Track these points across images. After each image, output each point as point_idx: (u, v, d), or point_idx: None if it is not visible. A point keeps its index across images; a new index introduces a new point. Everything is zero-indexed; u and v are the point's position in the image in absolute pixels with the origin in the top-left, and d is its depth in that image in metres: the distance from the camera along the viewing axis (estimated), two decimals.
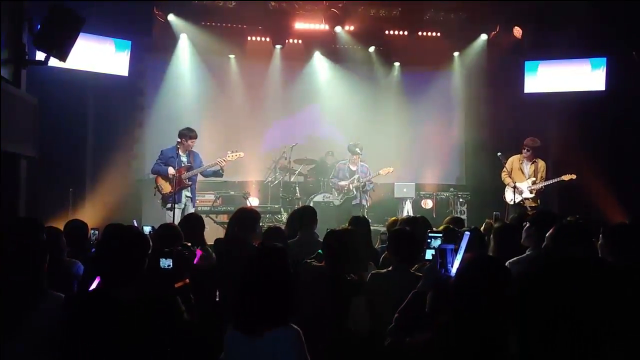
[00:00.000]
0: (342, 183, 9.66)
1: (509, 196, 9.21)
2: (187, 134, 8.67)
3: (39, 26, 6.93)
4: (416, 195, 11.24)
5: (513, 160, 9.33)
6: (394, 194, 11.17)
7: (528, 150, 9.13)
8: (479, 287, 2.08)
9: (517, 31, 10.85)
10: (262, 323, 2.62)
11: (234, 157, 8.82)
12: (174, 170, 8.39)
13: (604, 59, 10.42)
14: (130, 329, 2.46)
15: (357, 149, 9.61)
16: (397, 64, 12.32)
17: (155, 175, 8.78)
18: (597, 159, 9.83)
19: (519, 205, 8.94)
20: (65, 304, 2.69)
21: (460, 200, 11.07)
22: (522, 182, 9.13)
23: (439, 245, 2.64)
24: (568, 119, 10.57)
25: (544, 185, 9.08)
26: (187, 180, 8.63)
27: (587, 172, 9.49)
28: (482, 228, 5.74)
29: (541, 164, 9.22)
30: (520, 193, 9.05)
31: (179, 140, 8.59)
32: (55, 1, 6.98)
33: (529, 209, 8.71)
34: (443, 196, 11.44)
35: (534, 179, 9.10)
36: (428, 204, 11.30)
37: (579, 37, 10.21)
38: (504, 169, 9.27)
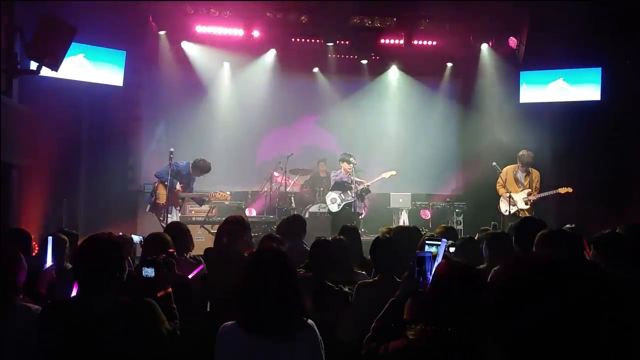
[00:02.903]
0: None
1: (504, 207, 9.20)
2: (206, 168, 9.15)
3: (30, 36, 6.92)
4: (412, 205, 11.21)
5: (507, 171, 9.33)
6: (390, 204, 11.13)
7: (527, 155, 9.16)
8: (452, 295, 2.04)
9: (513, 41, 10.86)
10: (291, 325, 2.60)
11: (221, 197, 9.29)
12: (179, 186, 8.70)
13: (599, 69, 10.42)
14: (105, 337, 2.42)
15: (352, 159, 9.56)
16: (392, 74, 12.33)
17: (158, 181, 8.97)
18: (593, 168, 9.81)
19: (515, 216, 8.89)
20: (43, 313, 2.65)
21: (457, 210, 11.03)
22: (517, 193, 9.11)
23: (417, 253, 2.59)
24: (564, 129, 10.55)
25: (540, 197, 9.06)
26: (180, 200, 8.99)
27: (582, 182, 9.46)
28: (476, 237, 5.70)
29: (535, 174, 9.22)
30: (515, 204, 9.02)
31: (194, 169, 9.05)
32: (47, 3, 6.98)
33: None
34: (439, 206, 11.40)
35: (529, 189, 9.08)
36: (427, 214, 11.27)
37: (574, 48, 10.22)
38: (499, 179, 9.26)
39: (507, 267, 1.18)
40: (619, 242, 3.45)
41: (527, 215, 8.91)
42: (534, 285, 1.12)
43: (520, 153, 9.28)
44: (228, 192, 9.42)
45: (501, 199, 9.32)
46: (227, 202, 10.53)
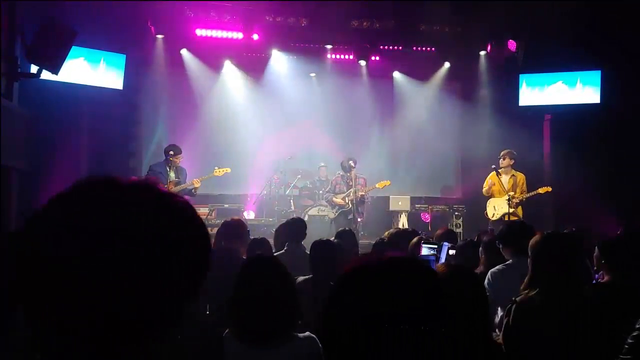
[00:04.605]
0: (337, 200, 9.70)
1: (490, 212, 9.22)
2: (173, 152, 8.80)
3: (31, 39, 6.94)
4: (412, 208, 11.21)
5: (492, 176, 9.29)
6: (389, 207, 11.14)
7: (505, 159, 9.10)
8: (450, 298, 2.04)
9: (512, 44, 10.89)
10: (271, 336, 2.58)
11: (221, 173, 8.97)
12: (163, 185, 8.48)
13: (599, 72, 10.42)
14: None
15: (351, 162, 9.58)
16: (391, 77, 12.34)
17: None
18: (593, 171, 9.81)
19: (501, 220, 8.86)
20: None
21: (456, 213, 11.03)
22: (502, 197, 9.09)
23: (420, 257, 2.59)
24: (563, 132, 10.57)
25: (522, 199, 9.01)
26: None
27: (582, 184, 9.48)
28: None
29: (520, 176, 9.17)
30: (500, 208, 9.04)
31: (165, 157, 8.72)
32: (48, 6, 7.00)
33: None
34: (439, 209, 11.41)
35: (512, 193, 9.05)
36: (427, 217, 11.28)
37: (573, 50, 10.23)
38: (486, 181, 9.25)
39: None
40: (625, 247, 3.45)
41: (514, 218, 8.92)
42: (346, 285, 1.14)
43: (505, 151, 9.25)
44: (228, 168, 9.17)
45: (487, 204, 9.34)
46: (227, 205, 10.55)
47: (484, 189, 9.36)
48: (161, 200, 0.93)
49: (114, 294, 0.84)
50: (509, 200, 8.88)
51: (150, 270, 0.86)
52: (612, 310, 2.93)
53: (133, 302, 0.85)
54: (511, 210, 8.94)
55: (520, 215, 8.95)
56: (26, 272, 0.86)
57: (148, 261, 0.86)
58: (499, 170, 9.13)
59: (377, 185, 9.89)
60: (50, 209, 0.90)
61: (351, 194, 9.66)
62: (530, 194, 8.98)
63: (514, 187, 9.07)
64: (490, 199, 9.26)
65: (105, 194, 0.90)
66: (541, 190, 8.95)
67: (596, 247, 3.58)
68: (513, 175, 9.13)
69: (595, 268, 4.15)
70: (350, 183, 9.70)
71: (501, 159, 9.20)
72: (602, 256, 3.48)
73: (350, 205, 9.53)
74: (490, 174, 9.26)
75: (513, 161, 9.16)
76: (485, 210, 9.39)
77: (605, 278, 3.45)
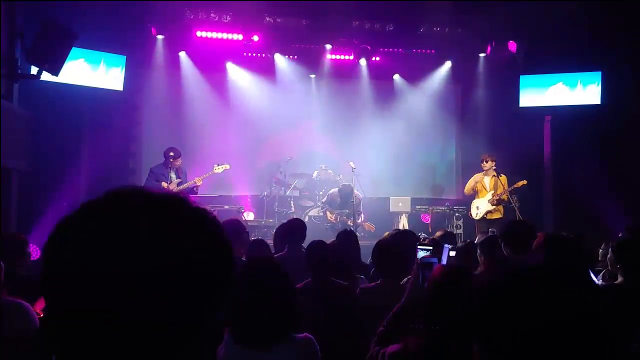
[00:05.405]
0: (330, 216, 9.91)
1: (474, 211, 9.36)
2: (174, 154, 8.82)
3: (31, 41, 6.95)
4: (412, 209, 11.20)
5: (476, 178, 9.47)
6: (390, 208, 11.13)
7: (488, 161, 9.21)
8: (446, 299, 2.04)
9: (513, 45, 10.89)
10: (270, 337, 2.58)
11: (221, 170, 9.01)
12: (166, 185, 8.51)
13: (599, 73, 10.42)
14: None
15: (348, 192, 9.74)
16: (391, 78, 12.33)
17: None
18: (593, 172, 9.81)
19: (484, 219, 9.10)
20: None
21: (456, 214, 11.01)
22: (484, 197, 9.24)
23: (421, 259, 2.57)
24: (564, 133, 10.56)
25: (502, 196, 9.07)
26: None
27: (582, 186, 9.47)
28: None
29: (502, 177, 9.24)
30: (482, 207, 9.19)
31: (166, 159, 8.79)
32: (47, 8, 7.01)
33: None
34: (439, 210, 11.38)
35: (493, 191, 9.13)
36: (427, 218, 11.28)
37: (574, 52, 10.24)
38: (472, 181, 9.41)
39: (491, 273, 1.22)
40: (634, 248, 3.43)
41: (496, 216, 9.07)
42: (499, 292, 1.15)
43: (486, 154, 9.35)
44: (227, 164, 9.23)
45: (471, 204, 9.50)
46: (227, 206, 10.53)
47: (466, 187, 9.53)
48: (192, 214, 0.92)
49: (139, 307, 0.83)
50: (491, 197, 9.11)
51: (175, 284, 0.85)
52: (624, 312, 2.91)
53: (159, 314, 0.84)
54: (492, 208, 9.10)
55: (502, 214, 9.10)
56: (55, 282, 0.86)
57: (173, 275, 0.85)
58: (483, 173, 9.34)
59: (365, 226, 10.19)
60: (77, 219, 0.89)
61: (344, 216, 9.82)
62: (510, 189, 9.06)
63: (495, 187, 9.17)
64: (474, 200, 9.43)
65: (133, 206, 0.89)
66: (518, 184, 9.06)
67: (609, 249, 3.57)
68: (495, 176, 9.19)
69: (600, 268, 4.16)
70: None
71: (483, 162, 9.29)
72: (616, 258, 3.46)
73: (340, 226, 9.65)
74: (475, 175, 9.41)
75: (494, 163, 9.22)
76: (470, 210, 9.52)
77: (619, 279, 3.43)
